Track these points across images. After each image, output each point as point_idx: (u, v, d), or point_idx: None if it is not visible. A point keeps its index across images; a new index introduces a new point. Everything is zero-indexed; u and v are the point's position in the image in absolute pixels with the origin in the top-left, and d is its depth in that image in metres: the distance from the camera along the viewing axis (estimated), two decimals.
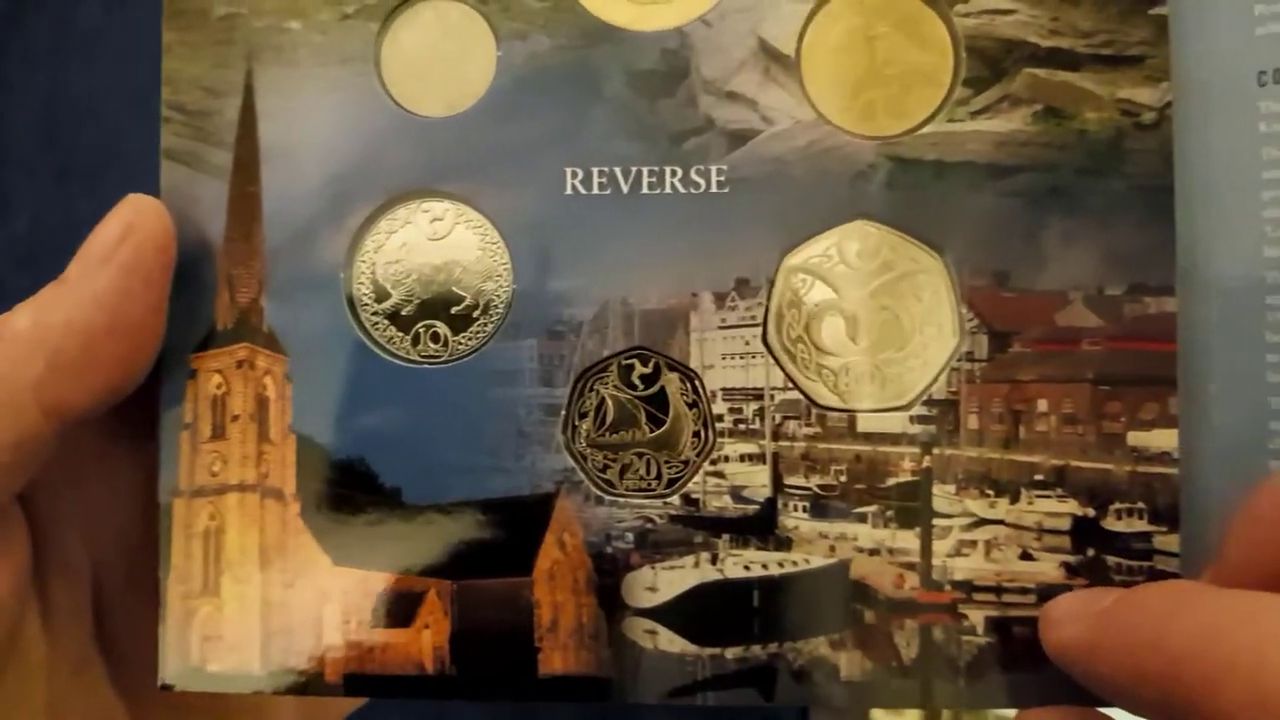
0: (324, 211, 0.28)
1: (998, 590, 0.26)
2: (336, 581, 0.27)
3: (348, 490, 0.27)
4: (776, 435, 0.27)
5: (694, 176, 0.27)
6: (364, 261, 0.28)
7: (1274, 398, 0.25)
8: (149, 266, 0.26)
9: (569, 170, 0.27)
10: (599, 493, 0.27)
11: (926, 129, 0.27)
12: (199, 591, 0.27)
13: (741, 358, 0.27)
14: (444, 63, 0.28)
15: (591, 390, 0.27)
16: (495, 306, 0.27)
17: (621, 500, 0.27)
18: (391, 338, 0.28)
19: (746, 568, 0.27)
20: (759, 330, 0.27)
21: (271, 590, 0.27)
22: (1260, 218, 0.25)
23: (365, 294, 0.28)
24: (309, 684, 0.27)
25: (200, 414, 0.27)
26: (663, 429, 0.27)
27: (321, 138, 0.28)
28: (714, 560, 0.27)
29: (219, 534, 0.27)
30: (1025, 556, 0.26)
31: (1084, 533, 0.26)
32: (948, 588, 0.26)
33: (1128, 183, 0.26)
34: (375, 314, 0.28)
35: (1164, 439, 0.26)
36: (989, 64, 0.26)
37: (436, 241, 0.28)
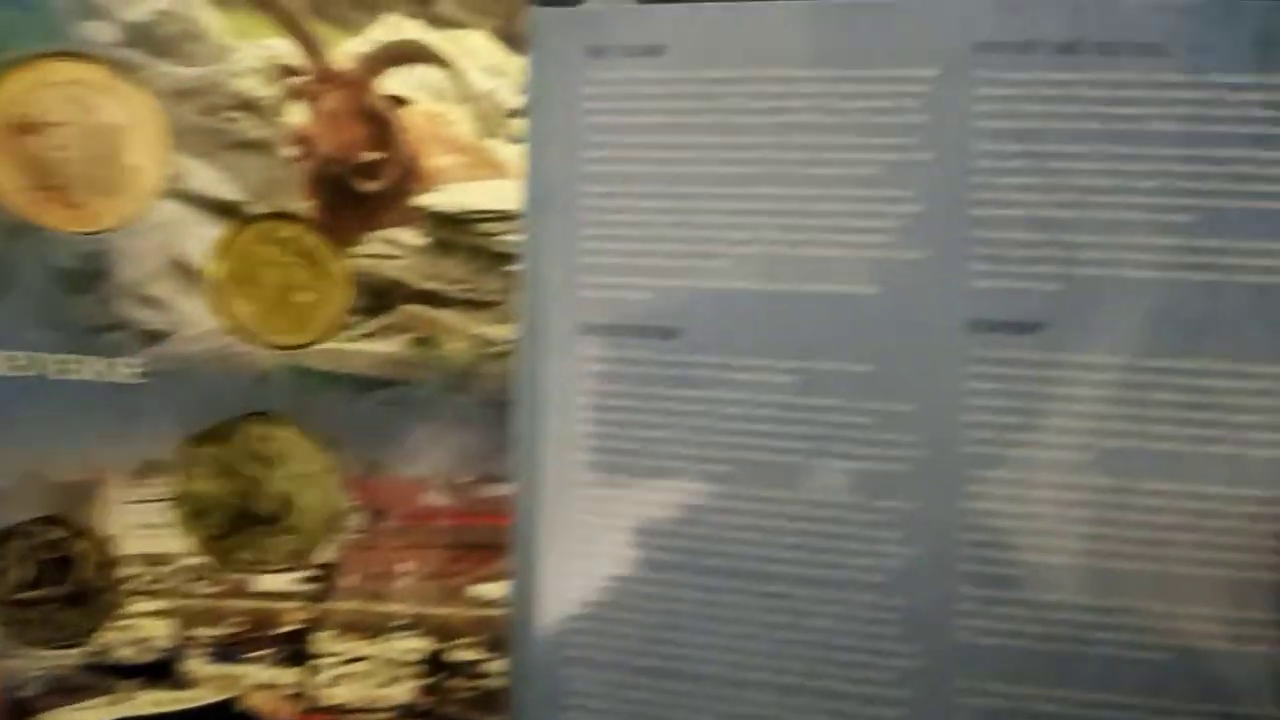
0: None
1: (368, 711, 0.33)
2: None
3: None
4: (182, 594, 0.32)
5: (111, 367, 0.30)
6: None
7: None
8: None
9: None
10: (11, 647, 0.30)
11: (323, 345, 0.32)
12: None
13: (152, 528, 0.31)
14: None
15: (6, 554, 0.30)
16: None
17: (33, 654, 0.31)
18: None
19: (156, 705, 0.32)
20: (167, 505, 0.31)
21: None
22: (575, 433, 0.33)
23: None
24: None
25: None
26: (74, 589, 0.31)
27: None
28: (123, 702, 0.31)
29: None
30: (389, 684, 0.33)
31: (434, 663, 0.33)
32: (326, 711, 0.33)
33: (479, 398, 0.33)
34: None
35: (498, 589, 0.34)
36: (377, 297, 0.32)
37: None
